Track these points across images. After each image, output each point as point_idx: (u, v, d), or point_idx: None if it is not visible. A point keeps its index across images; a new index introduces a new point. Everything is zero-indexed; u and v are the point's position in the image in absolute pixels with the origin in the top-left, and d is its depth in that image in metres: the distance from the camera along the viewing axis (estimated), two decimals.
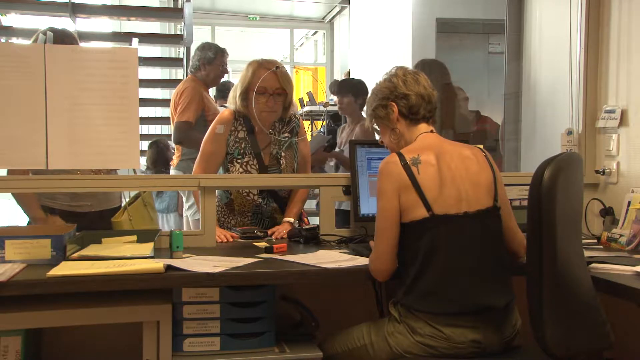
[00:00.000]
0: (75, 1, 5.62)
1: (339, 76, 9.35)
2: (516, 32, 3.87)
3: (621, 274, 1.96)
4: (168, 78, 7.74)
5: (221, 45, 4.13)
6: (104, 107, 2.11)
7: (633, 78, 2.65)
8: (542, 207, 1.67)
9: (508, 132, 3.98)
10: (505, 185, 2.04)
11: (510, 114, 3.98)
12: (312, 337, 2.15)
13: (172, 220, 5.00)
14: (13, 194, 2.67)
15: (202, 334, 1.97)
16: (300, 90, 10.05)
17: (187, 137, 3.75)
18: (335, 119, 6.83)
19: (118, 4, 8.02)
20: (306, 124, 7.33)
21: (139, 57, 2.18)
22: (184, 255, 2.11)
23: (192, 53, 4.55)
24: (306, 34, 11.46)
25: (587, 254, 2.03)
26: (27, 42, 3.35)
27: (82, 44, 3.18)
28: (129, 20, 6.68)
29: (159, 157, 4.98)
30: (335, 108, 5.02)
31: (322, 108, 7.08)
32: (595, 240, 2.56)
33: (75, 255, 2.04)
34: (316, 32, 11.13)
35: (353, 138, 4.21)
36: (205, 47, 4.06)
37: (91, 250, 2.12)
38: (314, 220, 2.82)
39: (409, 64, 4.63)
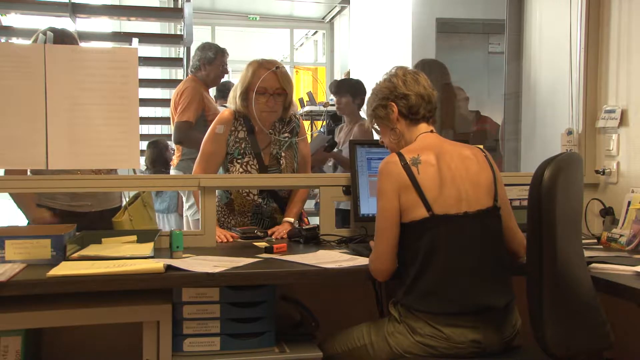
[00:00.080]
0: (75, 1, 5.62)
1: (339, 76, 9.34)
2: (516, 32, 3.87)
3: (621, 274, 1.96)
4: (168, 78, 7.74)
5: (221, 45, 4.13)
6: (104, 107, 2.11)
7: (633, 78, 2.65)
8: (542, 207, 1.67)
9: (508, 132, 3.98)
10: (505, 185, 2.04)
11: (510, 114, 3.98)
12: (312, 337, 2.15)
13: (172, 221, 5.00)
14: (11, 196, 2.66)
15: (202, 334, 1.97)
16: (300, 90, 10.04)
17: (187, 137, 3.75)
18: (335, 119, 6.82)
19: (118, 4, 8.02)
20: (306, 124, 7.33)
21: (139, 57, 2.18)
22: (184, 255, 2.11)
23: (192, 53, 4.55)
24: (306, 34, 11.45)
25: (587, 254, 2.03)
26: (27, 42, 3.35)
27: (82, 44, 3.18)
28: (129, 20, 6.68)
29: (157, 157, 4.97)
30: (335, 108, 5.02)
31: (322, 108, 7.08)
32: (595, 240, 2.56)
33: (75, 255, 2.04)
34: (316, 32, 11.13)
35: (351, 138, 4.21)
36: (206, 47, 4.06)
37: (91, 250, 2.12)
38: (314, 220, 2.82)
39: (409, 64, 4.63)
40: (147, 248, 2.11)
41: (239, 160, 2.71)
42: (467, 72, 5.19)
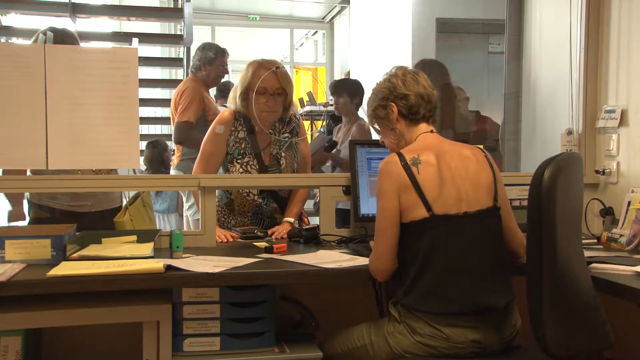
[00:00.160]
0: (75, 1, 5.61)
1: (339, 76, 9.35)
2: (516, 32, 3.87)
3: (621, 274, 1.96)
4: (168, 78, 7.74)
5: (221, 45, 4.14)
6: (104, 107, 2.11)
7: (633, 78, 2.65)
8: (542, 207, 1.67)
9: (508, 132, 3.98)
10: (505, 185, 2.04)
11: (510, 114, 3.98)
12: (312, 337, 2.15)
13: (172, 221, 5.00)
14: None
15: (202, 334, 1.97)
16: (300, 90, 10.05)
17: (188, 137, 3.75)
18: (335, 119, 6.82)
19: (118, 4, 8.02)
20: (306, 124, 7.33)
21: (139, 57, 2.18)
22: (184, 255, 2.11)
23: (192, 53, 4.55)
24: (306, 34, 11.45)
25: (587, 254, 2.03)
26: (27, 42, 3.35)
27: (82, 44, 3.18)
28: (129, 20, 6.67)
29: (155, 157, 4.97)
30: (333, 108, 5.03)
31: (322, 108, 7.08)
32: (595, 240, 2.56)
33: (75, 255, 2.04)
34: (316, 32, 11.13)
35: (350, 138, 4.22)
36: (206, 47, 4.06)
37: (91, 250, 2.12)
38: (313, 220, 2.82)
39: (409, 64, 4.62)
40: (147, 248, 2.11)
41: (239, 160, 2.71)
42: (467, 72, 5.19)
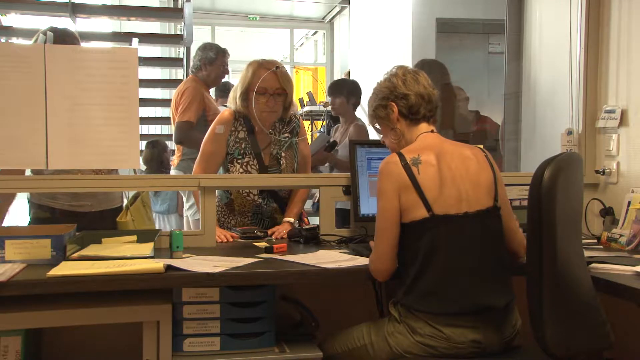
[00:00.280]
0: (75, 1, 5.62)
1: (339, 76, 9.35)
2: (516, 32, 3.87)
3: (621, 274, 1.96)
4: (168, 78, 7.74)
5: (221, 46, 4.14)
6: (104, 107, 2.11)
7: (633, 78, 2.65)
8: (542, 207, 1.67)
9: (508, 132, 3.98)
10: (505, 185, 2.04)
11: (510, 114, 3.98)
12: (312, 337, 2.15)
13: (172, 222, 5.00)
14: None
15: (202, 334, 1.97)
16: (300, 90, 10.05)
17: (188, 137, 3.75)
18: (335, 119, 6.82)
19: (118, 4, 8.02)
20: (306, 124, 7.33)
21: (139, 57, 2.18)
22: (184, 255, 2.11)
23: (192, 53, 4.55)
24: (306, 34, 11.45)
25: (587, 254, 2.03)
26: (27, 42, 3.35)
27: (82, 44, 3.18)
28: (129, 20, 6.68)
29: (154, 157, 4.97)
30: (330, 109, 5.03)
31: (322, 108, 7.08)
32: (595, 240, 2.56)
33: (75, 255, 2.04)
34: (316, 32, 11.13)
35: (347, 138, 4.22)
36: (207, 47, 4.06)
37: (91, 250, 2.12)
38: (313, 220, 2.82)
39: (409, 64, 4.59)
40: (147, 248, 2.11)
41: (239, 161, 2.71)
42: (467, 72, 5.19)
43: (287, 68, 4.13)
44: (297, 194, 2.79)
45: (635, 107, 2.64)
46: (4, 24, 5.71)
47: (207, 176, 2.49)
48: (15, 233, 2.10)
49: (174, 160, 4.11)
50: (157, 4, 8.69)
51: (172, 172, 4.10)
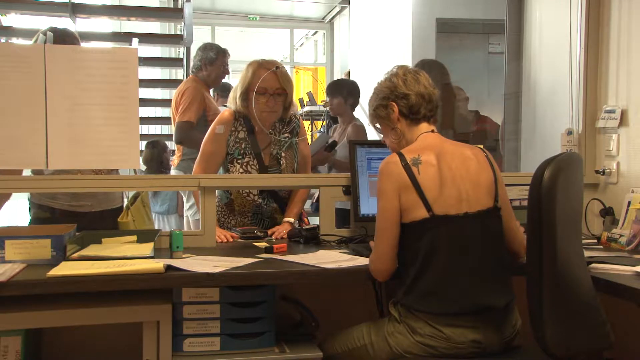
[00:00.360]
0: (75, 1, 5.62)
1: (339, 76, 9.36)
2: (516, 32, 3.87)
3: (621, 274, 1.96)
4: (168, 78, 7.74)
5: (221, 46, 4.14)
6: (104, 107, 2.11)
7: (633, 78, 2.65)
8: (542, 207, 1.67)
9: (508, 132, 3.98)
10: (506, 185, 2.04)
11: (510, 114, 3.98)
12: (312, 337, 2.15)
13: (172, 222, 5.00)
14: None
15: (202, 334, 1.97)
16: (300, 90, 10.05)
17: (188, 137, 3.75)
18: (335, 120, 6.83)
19: (118, 4, 8.02)
20: (306, 124, 7.33)
21: (139, 57, 2.18)
22: (184, 255, 2.11)
23: (192, 53, 4.55)
24: (306, 34, 11.46)
25: (587, 254, 2.03)
26: (27, 42, 3.35)
27: (83, 44, 3.18)
28: (129, 20, 6.67)
29: (153, 157, 4.97)
30: (328, 109, 5.03)
31: (322, 108, 7.08)
32: (595, 240, 2.56)
33: (75, 255, 2.04)
34: (316, 32, 11.14)
35: (345, 138, 4.23)
36: (207, 47, 4.07)
37: (91, 250, 2.12)
38: (312, 220, 2.82)
39: (409, 64, 4.59)
40: (147, 248, 2.11)
41: (239, 161, 2.71)
42: (467, 72, 5.19)
43: (287, 68, 4.13)
44: (297, 194, 2.79)
45: (635, 107, 2.64)
46: (4, 24, 5.72)
47: (207, 176, 2.49)
48: (15, 233, 2.10)
49: (174, 160, 4.11)
50: (157, 4, 8.70)
51: (172, 172, 4.10)
